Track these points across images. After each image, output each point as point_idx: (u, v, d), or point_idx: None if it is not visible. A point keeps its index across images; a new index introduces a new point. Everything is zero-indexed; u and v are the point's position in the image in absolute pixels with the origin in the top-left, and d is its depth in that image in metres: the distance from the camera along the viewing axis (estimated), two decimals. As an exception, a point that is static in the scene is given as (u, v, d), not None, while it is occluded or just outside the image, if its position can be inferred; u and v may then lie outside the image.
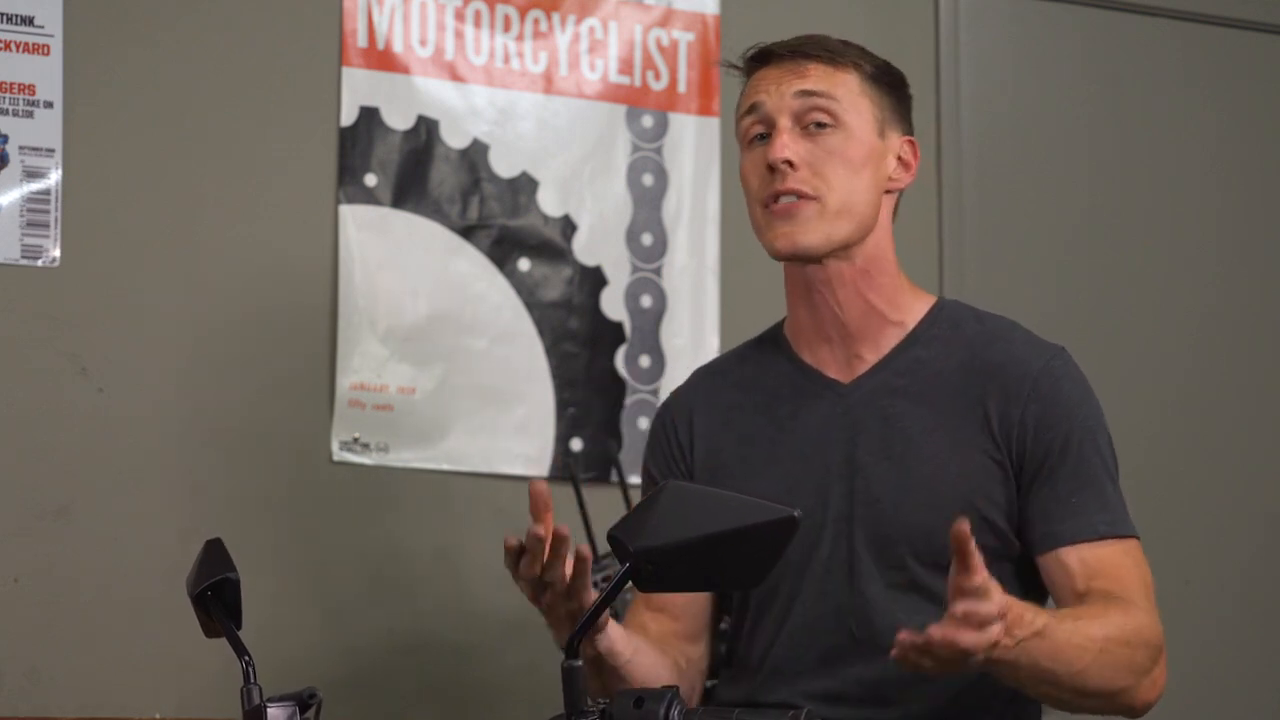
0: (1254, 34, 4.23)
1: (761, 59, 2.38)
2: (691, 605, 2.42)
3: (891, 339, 2.37)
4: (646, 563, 1.70)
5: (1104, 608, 2.18)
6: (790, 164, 2.29)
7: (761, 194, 2.32)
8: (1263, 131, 4.23)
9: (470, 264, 3.50)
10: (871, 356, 2.36)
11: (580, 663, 1.75)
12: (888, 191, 2.37)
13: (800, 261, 2.33)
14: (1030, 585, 2.31)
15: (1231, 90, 4.22)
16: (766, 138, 2.33)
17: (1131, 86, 4.13)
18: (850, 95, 2.33)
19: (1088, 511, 2.26)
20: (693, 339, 3.60)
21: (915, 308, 2.39)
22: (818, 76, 2.33)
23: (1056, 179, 4.06)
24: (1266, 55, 4.25)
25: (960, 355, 2.33)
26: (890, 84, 2.39)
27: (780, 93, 2.33)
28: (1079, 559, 2.25)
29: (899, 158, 2.38)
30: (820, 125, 2.31)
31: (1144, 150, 4.13)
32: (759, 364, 2.45)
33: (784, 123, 2.31)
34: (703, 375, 2.54)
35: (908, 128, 2.41)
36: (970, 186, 3.93)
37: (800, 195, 2.28)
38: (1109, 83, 4.12)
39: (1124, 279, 4.09)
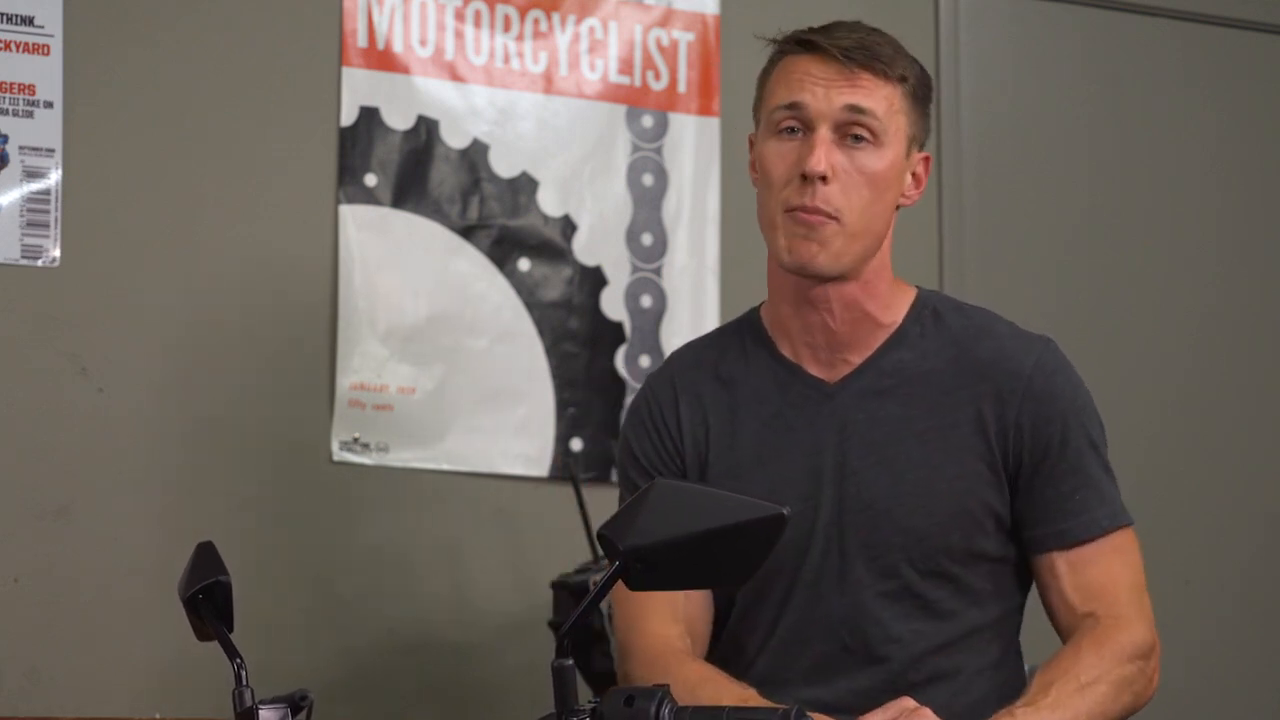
0: (1254, 34, 4.23)
1: (809, 49, 2.28)
2: (704, 614, 2.36)
3: (877, 339, 2.32)
4: (636, 561, 1.69)
5: (1073, 659, 2.17)
6: (824, 179, 2.22)
7: (786, 199, 2.25)
8: (1263, 131, 4.23)
9: (470, 264, 3.50)
10: (856, 358, 2.32)
11: (570, 661, 1.74)
12: (897, 207, 2.33)
13: (805, 278, 2.28)
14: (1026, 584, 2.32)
15: (1231, 90, 4.22)
16: (799, 132, 2.25)
17: (1131, 86, 4.13)
18: (892, 112, 2.27)
19: (1090, 508, 2.25)
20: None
21: (900, 304, 2.35)
22: (868, 90, 2.25)
23: (1056, 179, 4.05)
24: (1266, 55, 4.25)
25: (947, 353, 2.30)
26: (924, 98, 2.33)
27: (829, 99, 2.24)
28: (1069, 564, 2.25)
29: (913, 173, 2.33)
30: (858, 139, 2.25)
31: (1144, 150, 4.13)
32: (739, 356, 2.39)
33: (824, 132, 2.24)
34: (681, 365, 2.44)
35: (925, 142, 2.36)
36: (970, 186, 3.93)
37: (823, 214, 2.23)
38: (1109, 83, 4.12)
39: (1124, 279, 4.08)
